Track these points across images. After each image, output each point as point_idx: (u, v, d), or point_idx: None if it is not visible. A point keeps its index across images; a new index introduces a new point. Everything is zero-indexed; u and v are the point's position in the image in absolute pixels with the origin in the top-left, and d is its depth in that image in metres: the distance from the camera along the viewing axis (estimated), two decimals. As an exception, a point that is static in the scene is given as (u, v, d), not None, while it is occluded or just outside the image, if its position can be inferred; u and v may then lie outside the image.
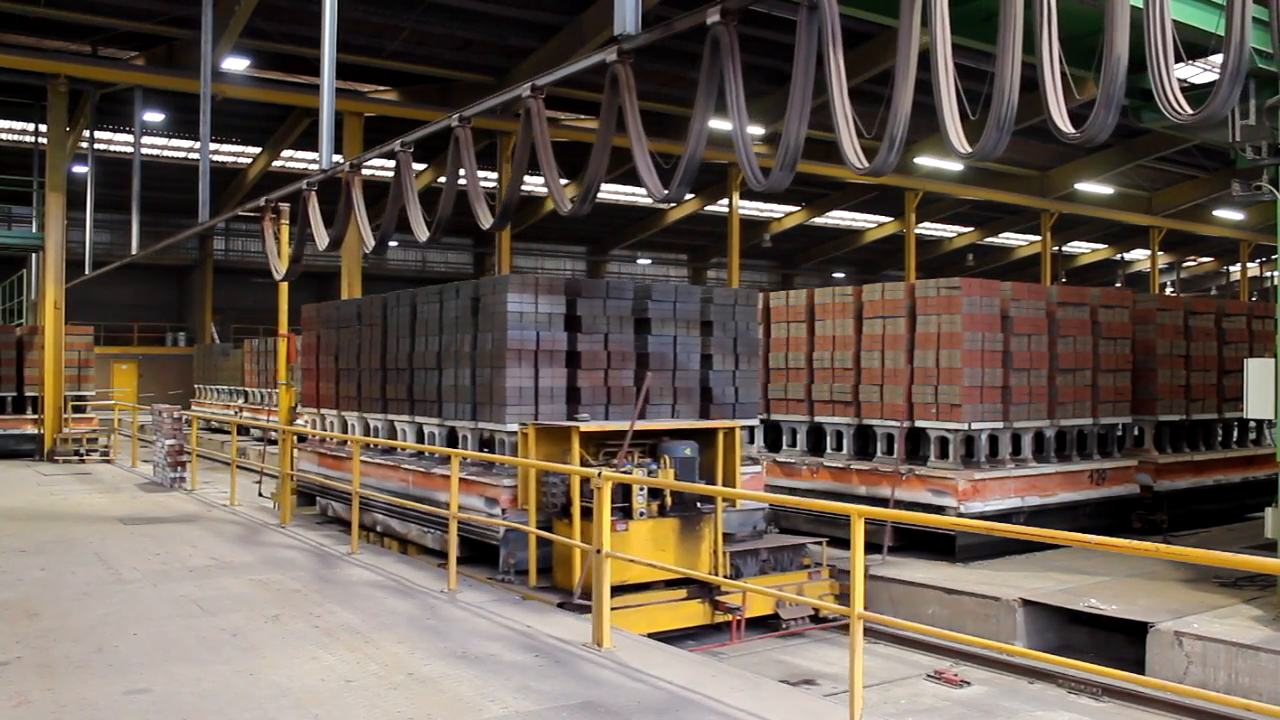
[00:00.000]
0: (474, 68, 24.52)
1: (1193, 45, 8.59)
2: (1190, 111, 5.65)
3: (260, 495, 14.83)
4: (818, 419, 13.57)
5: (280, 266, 13.99)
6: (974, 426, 11.94)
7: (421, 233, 10.63)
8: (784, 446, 14.08)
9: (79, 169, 28.13)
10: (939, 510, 11.60)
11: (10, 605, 8.45)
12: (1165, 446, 14.57)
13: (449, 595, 8.87)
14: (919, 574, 10.86)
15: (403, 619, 8.07)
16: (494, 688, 6.30)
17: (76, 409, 22.57)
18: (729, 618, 9.83)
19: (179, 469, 16.95)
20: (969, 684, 8.66)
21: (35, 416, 22.58)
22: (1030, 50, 5.85)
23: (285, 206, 14.00)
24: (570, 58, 9.97)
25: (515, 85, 9.19)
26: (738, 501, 10.81)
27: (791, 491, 13.20)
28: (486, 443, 11.25)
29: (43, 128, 24.26)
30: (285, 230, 13.94)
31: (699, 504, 9.99)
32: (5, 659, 6.90)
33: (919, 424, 12.29)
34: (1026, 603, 9.66)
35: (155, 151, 32.01)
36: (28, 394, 22.80)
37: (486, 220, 9.84)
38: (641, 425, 10.20)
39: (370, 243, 11.50)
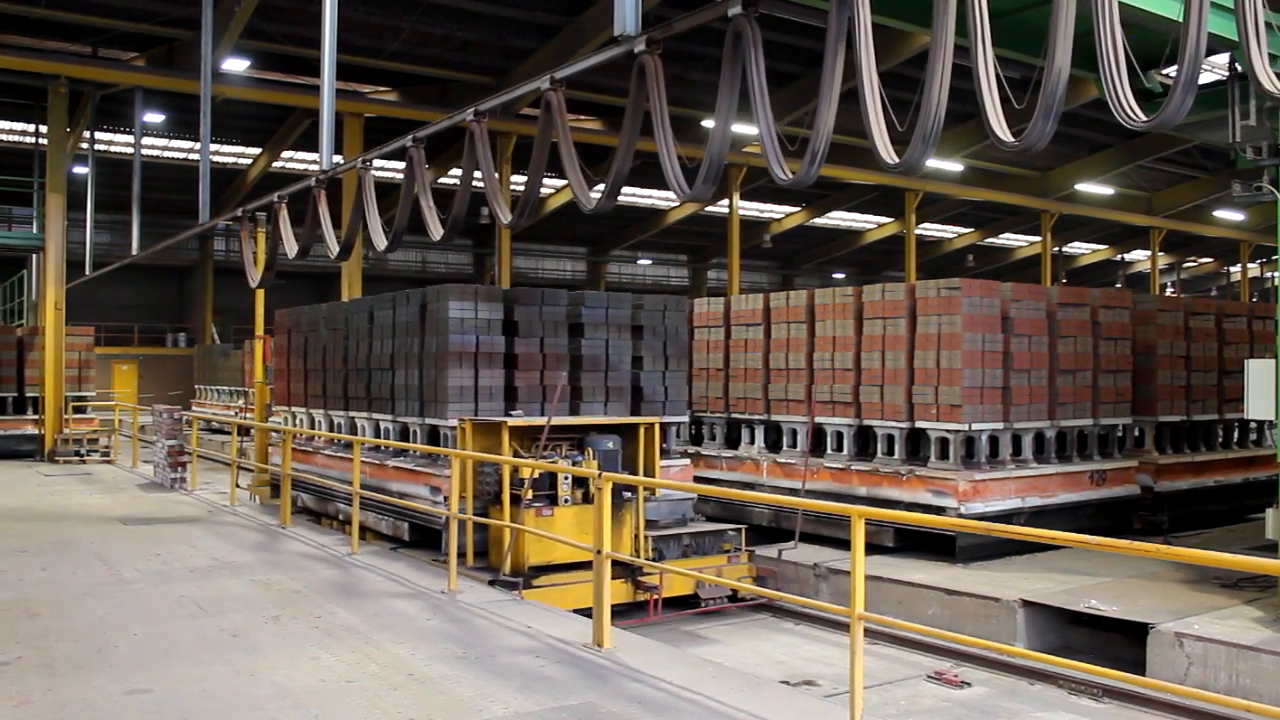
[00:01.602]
0: (474, 68, 24.52)
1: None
2: (1144, 117, 5.65)
3: (237, 487, 14.95)
4: (818, 420, 13.57)
5: (256, 274, 14.59)
6: (974, 427, 11.94)
7: (436, 231, 10.55)
8: (784, 447, 14.08)
9: (79, 170, 28.12)
10: (939, 511, 11.60)
11: (11, 605, 8.45)
12: (1166, 447, 14.57)
13: (449, 595, 8.87)
14: (919, 575, 10.87)
15: (403, 619, 8.07)
16: (494, 688, 6.30)
17: (77, 410, 22.57)
18: (649, 596, 10.52)
19: (179, 469, 16.95)
20: (969, 685, 8.66)
21: (36, 417, 22.58)
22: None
23: (261, 215, 14.24)
24: (570, 58, 9.91)
25: (533, 79, 8.98)
26: (658, 491, 11.57)
27: (792, 492, 13.19)
28: (433, 437, 12.24)
29: (43, 129, 24.24)
30: (262, 238, 14.52)
31: (623, 493, 10.61)
32: (6, 659, 6.90)
33: (919, 425, 12.29)
34: (1027, 604, 9.66)
35: (156, 152, 31.99)
36: (28, 395, 22.81)
37: (506, 216, 9.78)
38: (563, 420, 11.15)
39: (381, 242, 11.55)
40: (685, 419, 13.44)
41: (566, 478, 10.50)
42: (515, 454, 10.54)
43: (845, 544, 10.84)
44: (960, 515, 11.41)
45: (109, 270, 26.78)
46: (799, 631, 10.64)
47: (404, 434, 12.92)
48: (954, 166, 33.23)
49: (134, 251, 24.50)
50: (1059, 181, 36.01)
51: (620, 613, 10.03)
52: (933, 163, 31.51)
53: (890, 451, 12.63)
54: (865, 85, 6.51)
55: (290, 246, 13.21)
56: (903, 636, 9.74)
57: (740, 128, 24.74)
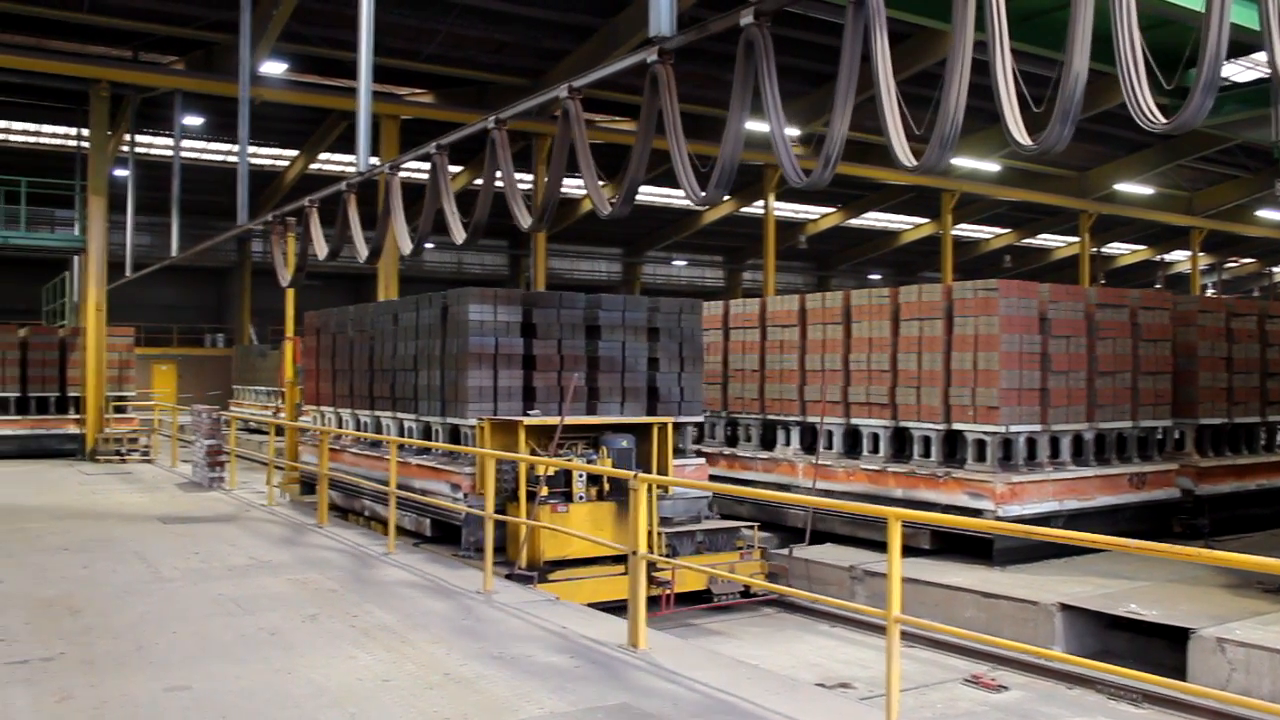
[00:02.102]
0: (510, 70, 24.60)
1: (1237, 43, 8.47)
2: (1163, 120, 5.58)
3: (271, 485, 15.24)
4: (854, 421, 13.51)
5: (286, 275, 15.15)
6: (1011, 429, 11.85)
7: (459, 235, 10.75)
8: (820, 448, 14.03)
9: (120, 172, 28.44)
10: (976, 513, 11.52)
11: (53, 602, 8.56)
12: (1207, 450, 14.39)
13: (485, 596, 8.90)
14: (956, 577, 10.80)
15: (439, 619, 8.11)
16: (530, 688, 6.31)
17: (117, 409, 22.86)
18: (661, 591, 10.61)
19: (218, 469, 17.10)
20: (1006, 689, 8.59)
21: (77, 417, 22.87)
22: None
23: (292, 220, 14.73)
24: (605, 59, 10.03)
25: (552, 87, 9.23)
26: (670, 489, 11.91)
27: (828, 494, 13.15)
28: (454, 435, 12.58)
29: (85, 132, 24.55)
30: (292, 242, 15.01)
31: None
32: (49, 655, 6.98)
33: (956, 426, 12.22)
34: (1065, 607, 9.58)
35: (194, 155, 32.29)
36: (70, 394, 23.11)
37: (525, 221, 9.89)
38: (578, 420, 11.47)
39: (407, 246, 11.75)
40: (701, 419, 13.69)
41: (581, 475, 10.75)
42: (532, 452, 10.83)
43: (881, 546, 10.81)
44: (997, 518, 11.33)
45: (149, 271, 27.07)
46: (834, 634, 10.60)
47: (426, 433, 13.21)
48: (991, 167, 33.01)
49: (173, 253, 24.77)
50: (1098, 181, 35.69)
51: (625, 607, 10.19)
52: (969, 163, 31.34)
53: (926, 453, 12.56)
54: (882, 88, 6.56)
55: (320, 249, 13.55)
56: (939, 639, 9.68)
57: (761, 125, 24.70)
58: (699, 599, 11.22)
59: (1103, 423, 12.82)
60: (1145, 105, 5.60)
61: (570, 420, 11.17)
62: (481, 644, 7.35)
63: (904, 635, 9.02)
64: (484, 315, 12.16)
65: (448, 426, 12.64)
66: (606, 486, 11.02)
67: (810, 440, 14.33)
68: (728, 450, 15.28)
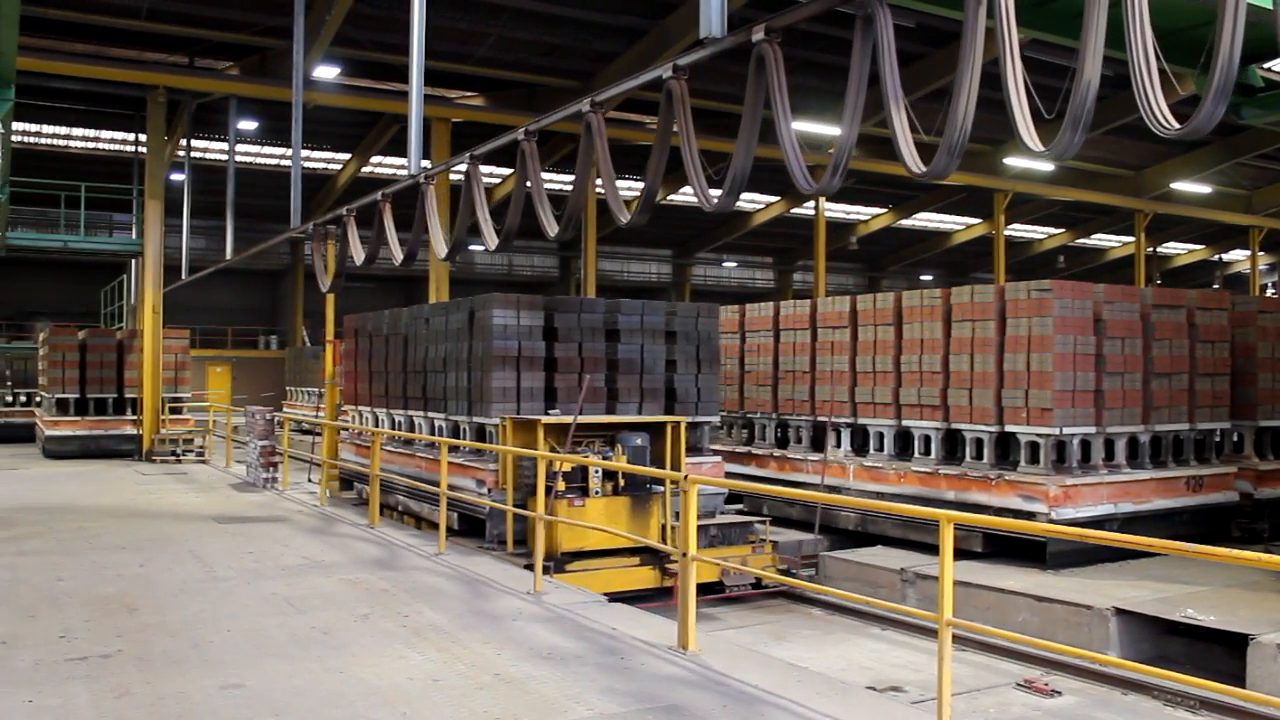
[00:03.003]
0: (560, 72, 24.68)
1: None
2: (1177, 126, 5.49)
3: (309, 481, 15.62)
4: (905, 423, 13.42)
5: (326, 280, 16.09)
6: (1065, 431, 11.72)
7: (491, 241, 11.11)
8: (870, 450, 13.95)
9: (176, 177, 28.90)
10: (1029, 516, 11.40)
11: (111, 600, 8.70)
12: (1266, 453, 14.14)
13: (535, 597, 8.93)
14: (1009, 581, 10.69)
15: (489, 619, 8.14)
16: (579, 689, 6.32)
17: (173, 410, 23.17)
18: (673, 582, 10.93)
19: (271, 469, 17.30)
20: (1060, 694, 8.50)
21: (134, 418, 23.24)
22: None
23: (332, 227, 15.68)
24: (657, 60, 10.11)
25: (577, 100, 9.55)
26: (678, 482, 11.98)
27: (879, 496, 13.07)
28: (480, 434, 13.09)
29: (142, 137, 24.99)
30: (331, 249, 15.86)
31: (649, 485, 11.56)
32: (107, 652, 7.10)
33: (1009, 428, 12.09)
34: (1120, 612, 9.45)
35: (249, 159, 32.72)
36: (127, 396, 23.49)
37: (553, 229, 10.12)
38: (594, 419, 12.01)
39: (442, 250, 12.33)
40: (717, 419, 14.16)
41: (597, 471, 11.28)
42: (551, 450, 11.23)
43: (933, 549, 10.73)
44: (1051, 521, 11.20)
45: (204, 274, 27.44)
46: (885, 636, 10.53)
47: (455, 431, 13.72)
48: (1044, 166, 32.63)
49: (228, 256, 25.08)
50: (1154, 180, 35.14)
51: (646, 597, 10.83)
52: (1022, 163, 31.00)
53: (979, 455, 12.45)
54: (890, 96, 6.63)
55: (358, 256, 14.18)
56: (991, 643, 9.59)
57: (823, 129, 24.61)
58: (711, 590, 11.62)
59: (1159, 425, 12.64)
60: (1158, 109, 5.53)
61: (584, 420, 11.61)
62: (532, 644, 7.38)
63: (956, 639, 8.95)
64: (508, 320, 12.71)
65: (474, 425, 13.15)
66: (622, 482, 11.46)
67: (861, 441, 14.25)
68: (777, 452, 15.24)
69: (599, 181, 10.05)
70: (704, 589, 11.27)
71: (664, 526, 11.61)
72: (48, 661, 6.87)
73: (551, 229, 10.09)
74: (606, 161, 9.20)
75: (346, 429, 16.92)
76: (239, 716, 5.82)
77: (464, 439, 13.25)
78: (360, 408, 17.10)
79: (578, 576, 10.54)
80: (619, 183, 10.41)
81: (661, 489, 11.62)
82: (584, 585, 9.81)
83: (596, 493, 11.33)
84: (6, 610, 8.36)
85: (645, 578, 11.39)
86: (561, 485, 11.06)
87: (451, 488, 12.32)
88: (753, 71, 7.41)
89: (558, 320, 12.98)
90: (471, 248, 39.93)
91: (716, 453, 14.36)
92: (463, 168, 11.39)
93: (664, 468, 11.67)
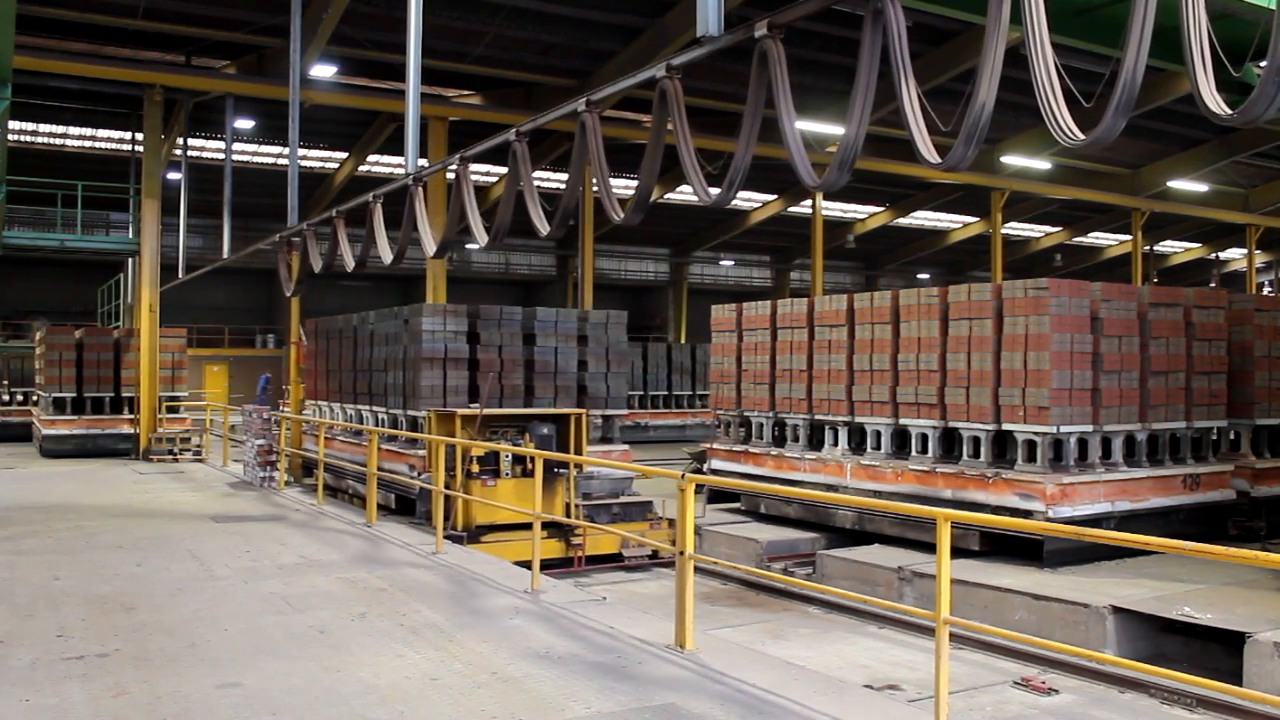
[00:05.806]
0: (557, 71, 24.67)
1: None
2: (1081, 136, 5.54)
3: (306, 480, 16.46)
4: (902, 421, 13.42)
5: (290, 285, 17.65)
6: (1062, 429, 11.72)
7: (482, 238, 11.29)
8: (868, 449, 13.94)
9: (173, 176, 28.87)
10: (1026, 514, 11.39)
11: (108, 599, 8.69)
12: (1263, 451, 14.14)
13: (532, 595, 8.93)
14: (1006, 579, 10.69)
15: (486, 618, 8.14)
16: (577, 688, 6.33)
17: (170, 409, 23.16)
18: (575, 553, 12.95)
19: (268, 468, 17.30)
20: (1057, 692, 8.50)
21: (131, 416, 23.23)
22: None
23: (297, 240, 16.80)
24: (654, 59, 10.14)
25: (573, 99, 9.57)
26: (584, 468, 14.15)
27: (876, 494, 13.07)
28: (413, 426, 15.00)
29: (139, 136, 24.95)
30: (295, 258, 17.31)
31: (556, 469, 12.93)
32: (104, 651, 7.10)
33: (1006, 427, 12.09)
34: (1117, 610, 9.45)
35: (245, 158, 32.68)
36: (124, 395, 23.47)
37: (544, 227, 10.20)
38: (503, 411, 13.74)
39: (430, 249, 12.69)
40: (624, 412, 16.45)
41: (508, 455, 12.82)
42: (470, 439, 12.73)
43: (930, 547, 10.75)
44: (1048, 519, 11.20)
45: (201, 273, 27.44)
46: (883, 635, 10.53)
47: (393, 423, 15.80)
48: (1041, 165, 32.65)
49: (225, 255, 25.08)
50: (1150, 178, 35.18)
51: (551, 565, 11.99)
52: (1019, 161, 31.01)
53: (976, 454, 12.44)
54: (902, 87, 6.64)
55: (348, 257, 14.72)
56: (989, 641, 9.59)
57: (820, 127, 24.61)
58: (611, 560, 13.27)
59: (1156, 423, 12.64)
60: (1063, 123, 5.61)
61: (493, 412, 13.47)
62: (529, 643, 7.38)
63: (953, 637, 8.95)
64: (435, 325, 14.74)
65: (408, 417, 15.19)
66: (530, 465, 12.38)
67: (859, 440, 14.25)
68: (774, 451, 15.23)
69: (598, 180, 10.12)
70: (604, 559, 13.20)
71: (568, 504, 13.07)
72: (44, 660, 6.87)
73: (543, 227, 10.15)
74: (601, 161, 9.25)
75: (309, 422, 18.88)
76: (236, 715, 5.82)
77: (401, 429, 15.18)
78: (319, 402, 19.45)
79: (492, 547, 12.06)
80: (618, 181, 10.54)
81: (565, 471, 13.03)
82: (498, 554, 11.30)
83: (507, 474, 12.89)
84: (3, 609, 8.36)
85: (552, 549, 12.70)
86: (475, 468, 12.69)
87: (389, 471, 14.55)
88: (755, 67, 7.40)
89: (480, 326, 15.01)
90: (468, 247, 39.95)
91: (714, 451, 15.96)
92: (454, 168, 11.47)
93: (568, 451, 13.23)
